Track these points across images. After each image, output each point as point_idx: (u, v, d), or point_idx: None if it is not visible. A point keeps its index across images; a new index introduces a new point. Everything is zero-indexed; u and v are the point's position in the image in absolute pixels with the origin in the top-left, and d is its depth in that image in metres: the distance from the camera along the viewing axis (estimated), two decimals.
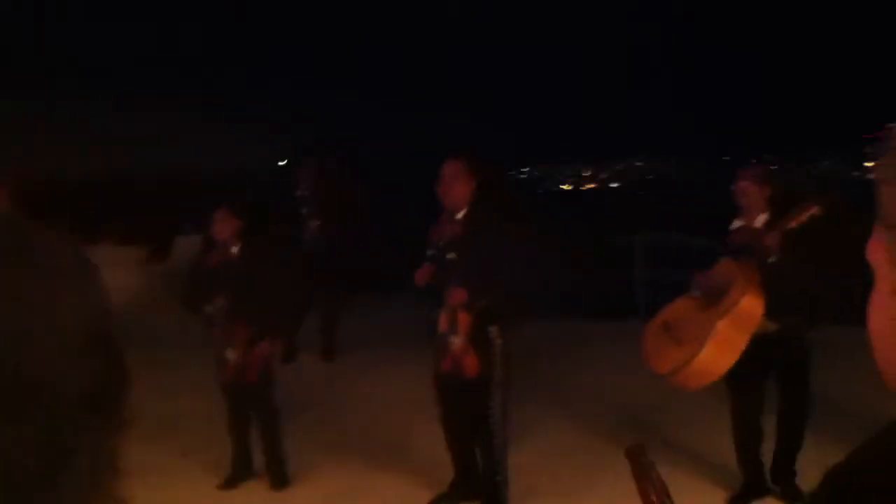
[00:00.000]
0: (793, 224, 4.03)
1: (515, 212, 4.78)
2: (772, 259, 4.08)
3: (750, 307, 3.91)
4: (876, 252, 0.72)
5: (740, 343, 3.88)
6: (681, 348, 3.98)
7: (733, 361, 3.88)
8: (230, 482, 4.99)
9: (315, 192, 7.78)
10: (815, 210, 4.01)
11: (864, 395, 3.98)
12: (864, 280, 0.75)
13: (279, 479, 4.98)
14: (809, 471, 4.16)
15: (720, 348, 3.86)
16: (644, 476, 1.09)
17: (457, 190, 4.37)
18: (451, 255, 4.32)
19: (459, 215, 4.38)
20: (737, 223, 4.37)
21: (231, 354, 4.83)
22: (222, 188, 11.41)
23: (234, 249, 4.94)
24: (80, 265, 0.62)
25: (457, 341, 4.29)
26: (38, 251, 0.59)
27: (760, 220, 4.26)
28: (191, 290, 5.11)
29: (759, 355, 4.08)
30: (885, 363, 0.72)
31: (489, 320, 4.28)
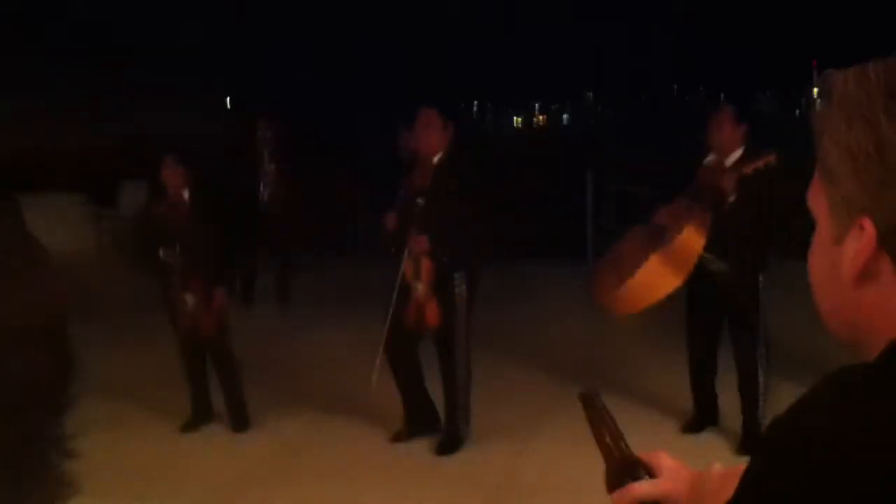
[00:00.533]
0: (749, 170, 4.14)
1: (483, 162, 4.84)
2: (728, 200, 4.19)
3: (685, 243, 4.04)
4: (816, 201, 0.72)
5: (673, 276, 4.05)
6: (618, 278, 4.13)
7: (665, 291, 4.06)
8: (190, 426, 5.05)
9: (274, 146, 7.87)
10: (772, 158, 4.11)
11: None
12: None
13: (240, 421, 5.07)
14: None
15: (650, 278, 4.02)
16: (598, 419, 1.09)
17: (432, 137, 4.43)
18: (419, 201, 4.37)
19: (433, 161, 4.44)
20: (709, 159, 4.42)
21: (187, 301, 4.86)
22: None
23: (184, 196, 4.92)
24: (31, 258, 0.63)
25: (420, 289, 4.38)
26: None
27: (733, 157, 4.32)
28: (141, 238, 5.10)
29: (710, 294, 4.35)
30: (823, 308, 0.73)
31: (453, 268, 4.37)
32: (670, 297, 4.19)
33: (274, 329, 7.06)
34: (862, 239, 0.65)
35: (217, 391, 5.11)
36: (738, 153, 4.32)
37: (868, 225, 0.65)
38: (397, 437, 4.76)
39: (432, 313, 4.38)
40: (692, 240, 4.07)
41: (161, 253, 4.82)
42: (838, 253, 0.68)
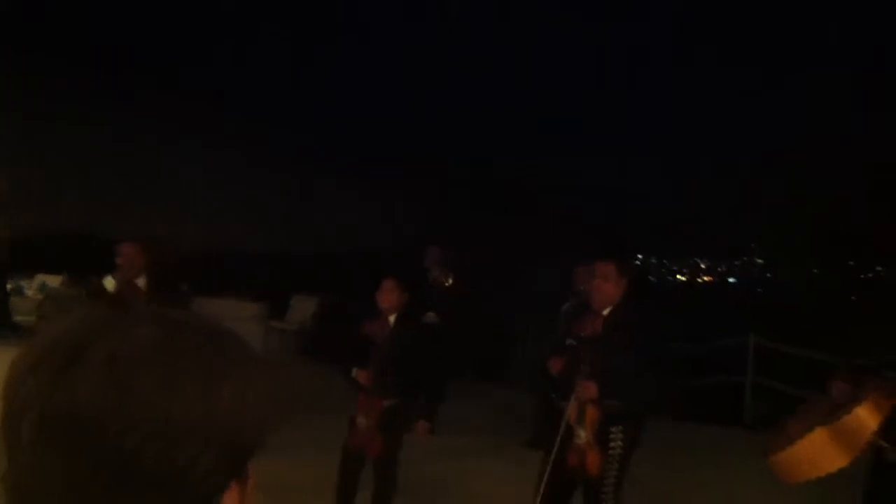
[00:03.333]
0: None
1: (653, 314, 4.73)
2: None
3: (855, 422, 3.69)
4: None
5: (838, 455, 3.66)
6: (780, 444, 3.77)
7: (826, 469, 3.64)
8: None
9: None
10: None
11: None
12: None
13: None
14: None
15: (810, 451, 3.72)
16: None
17: (608, 290, 4.36)
18: (590, 347, 4.29)
19: (604, 312, 4.38)
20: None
21: None
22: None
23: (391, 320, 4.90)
24: None
25: (583, 436, 4.25)
26: None
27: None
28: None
29: (890, 487, 4.02)
30: None
31: (615, 420, 4.24)
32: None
33: None
34: None
35: None
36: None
37: None
38: None
39: (593, 462, 4.21)
40: (864, 420, 3.68)
41: None
42: None
